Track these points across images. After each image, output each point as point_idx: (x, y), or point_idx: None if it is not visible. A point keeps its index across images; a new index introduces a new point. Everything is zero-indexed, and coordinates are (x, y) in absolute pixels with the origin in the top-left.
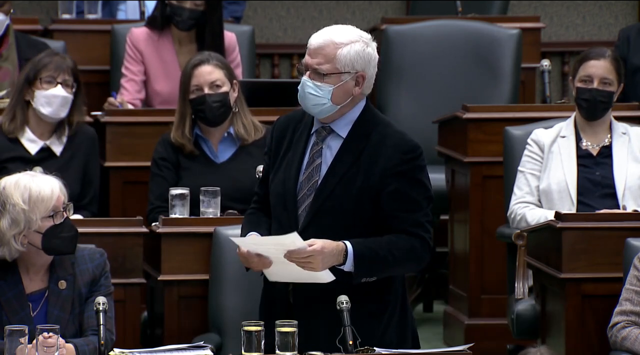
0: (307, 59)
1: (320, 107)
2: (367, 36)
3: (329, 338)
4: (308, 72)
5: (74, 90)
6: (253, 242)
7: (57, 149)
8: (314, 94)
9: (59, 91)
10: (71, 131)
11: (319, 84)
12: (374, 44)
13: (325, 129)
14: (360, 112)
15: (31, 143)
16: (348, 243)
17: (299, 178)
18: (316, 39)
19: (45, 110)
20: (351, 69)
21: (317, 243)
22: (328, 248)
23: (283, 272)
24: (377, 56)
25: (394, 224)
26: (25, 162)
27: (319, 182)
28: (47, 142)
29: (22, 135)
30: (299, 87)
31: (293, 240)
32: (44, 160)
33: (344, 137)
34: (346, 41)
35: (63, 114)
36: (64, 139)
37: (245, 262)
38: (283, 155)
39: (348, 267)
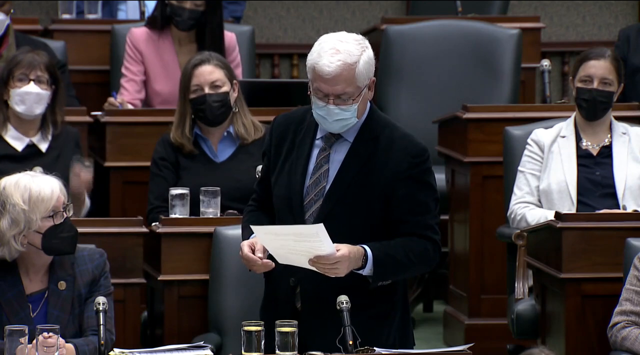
0: (325, 88)
1: (349, 125)
2: (360, 38)
3: (332, 338)
4: (331, 100)
5: (52, 86)
6: (273, 233)
7: (43, 146)
8: (343, 118)
9: (32, 88)
10: (56, 130)
11: (344, 107)
12: (367, 42)
13: (334, 135)
14: (366, 115)
15: (16, 140)
16: (367, 247)
17: (305, 183)
18: (328, 68)
19: (19, 108)
20: (367, 80)
21: (343, 248)
22: (352, 252)
23: (293, 258)
24: (372, 52)
25: (405, 228)
26: (13, 159)
27: (327, 187)
28: (33, 139)
29: (6, 133)
30: (322, 115)
31: (317, 231)
32: (31, 156)
33: (351, 141)
34: (356, 58)
35: (38, 110)
36: (49, 137)
37: (247, 265)
38: (285, 158)
39: (367, 271)
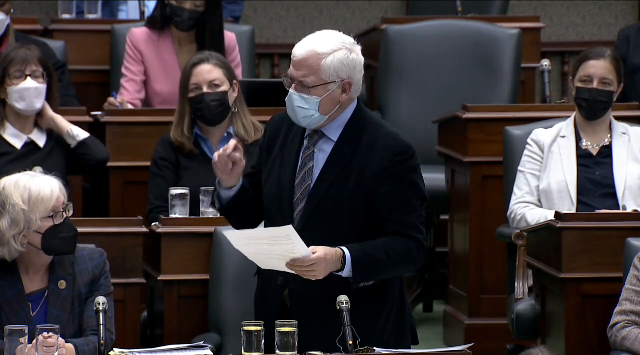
0: (291, 71)
1: (309, 119)
2: (350, 41)
3: (324, 338)
4: (294, 85)
5: (46, 80)
6: (246, 237)
7: (41, 142)
8: (302, 106)
9: (29, 84)
10: None
11: (305, 96)
12: (359, 48)
13: (317, 133)
14: (351, 114)
15: (15, 138)
16: (345, 249)
17: (295, 181)
18: (299, 51)
19: (20, 105)
20: (336, 78)
21: (319, 250)
22: (329, 254)
23: (272, 263)
24: (362, 60)
25: (388, 226)
26: (13, 157)
27: (312, 185)
28: (31, 136)
29: (4, 132)
30: (286, 100)
31: (288, 233)
32: (31, 153)
33: (335, 140)
34: (329, 50)
35: (38, 105)
36: (45, 132)
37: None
38: (276, 156)
39: (346, 273)
